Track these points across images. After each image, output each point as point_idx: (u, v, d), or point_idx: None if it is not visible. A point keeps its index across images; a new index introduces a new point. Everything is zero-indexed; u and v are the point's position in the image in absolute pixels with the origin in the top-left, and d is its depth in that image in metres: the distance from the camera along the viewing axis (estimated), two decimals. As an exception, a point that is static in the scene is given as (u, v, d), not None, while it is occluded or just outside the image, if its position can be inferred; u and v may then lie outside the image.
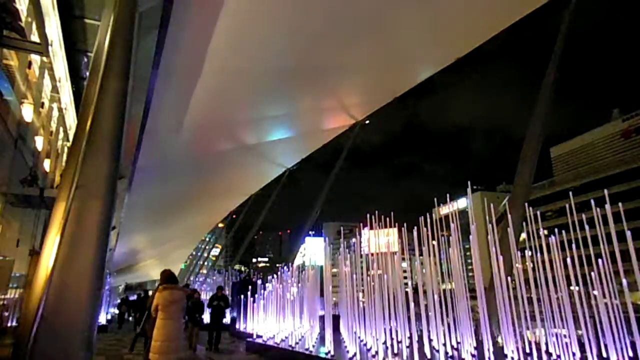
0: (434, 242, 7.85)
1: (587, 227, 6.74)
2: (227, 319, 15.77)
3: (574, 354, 6.48)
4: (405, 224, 8.75)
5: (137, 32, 6.31)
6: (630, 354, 6.24)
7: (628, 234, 6.02)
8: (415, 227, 8.15)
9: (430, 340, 7.73)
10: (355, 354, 8.06)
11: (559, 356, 6.60)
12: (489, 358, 6.51)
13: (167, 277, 6.50)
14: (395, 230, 9.05)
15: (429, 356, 7.48)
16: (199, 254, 75.02)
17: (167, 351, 5.83)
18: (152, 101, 10.23)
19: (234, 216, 54.82)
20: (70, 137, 14.44)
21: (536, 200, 67.44)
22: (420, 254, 7.99)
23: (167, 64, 8.87)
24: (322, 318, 10.82)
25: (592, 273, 6.55)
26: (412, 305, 8.15)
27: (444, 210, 8.16)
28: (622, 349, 6.25)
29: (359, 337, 8.76)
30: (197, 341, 11.48)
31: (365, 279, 9.02)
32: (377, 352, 7.93)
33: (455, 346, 7.66)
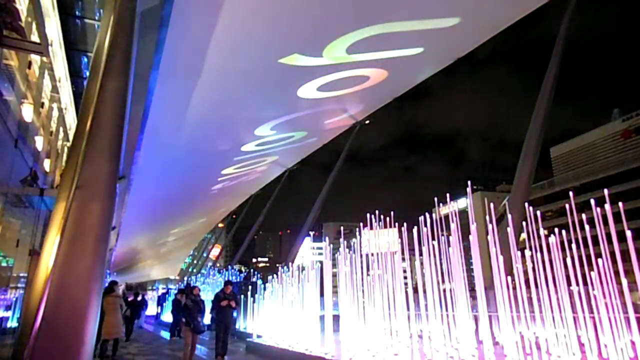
0: (434, 242, 7.83)
1: (587, 227, 6.73)
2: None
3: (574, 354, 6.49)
4: (405, 224, 8.75)
5: (137, 32, 6.31)
6: (631, 354, 6.24)
7: (628, 233, 6.02)
8: (415, 227, 8.14)
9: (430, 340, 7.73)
10: (355, 354, 8.06)
11: (559, 356, 6.60)
12: (489, 358, 6.51)
13: (107, 288, 10.34)
14: (395, 230, 9.03)
15: (429, 356, 7.48)
16: (199, 254, 75.02)
17: (111, 332, 9.89)
18: (152, 101, 10.24)
19: (234, 216, 54.91)
20: (70, 137, 14.45)
21: (536, 200, 67.48)
22: (420, 254, 7.98)
23: (167, 64, 8.87)
24: (322, 318, 10.81)
25: (592, 273, 6.54)
26: (412, 305, 8.15)
27: (444, 210, 8.14)
28: (622, 349, 6.25)
29: (360, 337, 8.76)
30: (193, 352, 9.68)
31: (365, 279, 9.02)
32: (377, 352, 7.94)
33: (455, 346, 7.66)
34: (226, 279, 19.00)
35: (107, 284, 11.00)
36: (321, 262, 10.62)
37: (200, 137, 15.96)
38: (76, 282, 4.72)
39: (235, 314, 16.19)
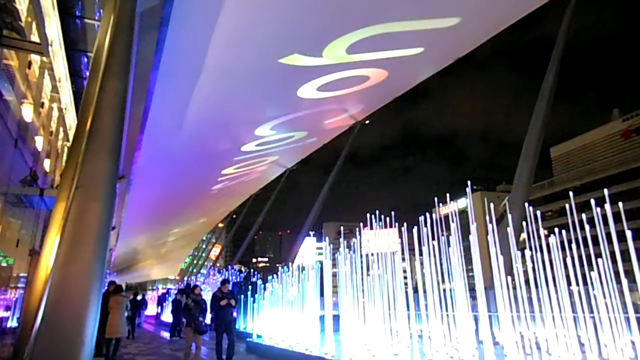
0: (434, 242, 7.83)
1: (587, 227, 6.73)
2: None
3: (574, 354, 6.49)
4: (405, 224, 8.75)
5: (137, 32, 6.32)
6: (631, 354, 6.23)
7: (628, 233, 6.02)
8: (415, 227, 8.14)
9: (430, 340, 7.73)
10: (355, 354, 8.06)
11: (559, 356, 6.60)
12: (489, 358, 6.51)
13: (116, 287, 10.63)
14: (395, 230, 9.03)
15: (429, 356, 7.48)
16: (199, 254, 75.03)
17: (114, 331, 9.80)
18: (152, 101, 10.24)
19: (234, 216, 54.92)
20: (70, 137, 14.45)
21: (536, 200, 67.49)
22: (420, 254, 7.98)
23: (167, 64, 8.87)
24: (322, 318, 10.80)
25: (592, 273, 6.54)
26: (412, 305, 8.15)
27: (444, 210, 8.14)
28: (622, 349, 6.24)
29: (360, 337, 8.76)
30: (198, 354, 9.37)
31: (365, 279, 9.02)
32: (377, 352, 7.93)
33: (455, 346, 7.66)
34: (224, 278, 18.90)
35: (106, 285, 11.04)
36: (321, 262, 10.62)
37: (200, 137, 15.96)
38: (76, 282, 4.72)
39: (234, 314, 16.16)
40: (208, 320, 11.68)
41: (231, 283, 17.94)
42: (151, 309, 29.21)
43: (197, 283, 18.53)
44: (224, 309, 9.71)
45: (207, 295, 16.76)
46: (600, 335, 6.42)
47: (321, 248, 10.58)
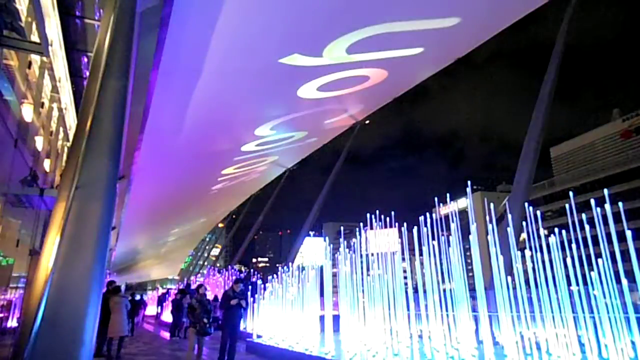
0: (434, 242, 7.83)
1: (587, 227, 6.73)
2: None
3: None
4: (405, 224, 8.76)
5: (137, 32, 6.31)
6: (631, 354, 6.23)
7: (628, 233, 6.02)
8: (415, 227, 8.15)
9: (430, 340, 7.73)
10: (355, 354, 8.06)
11: (559, 356, 6.60)
12: (489, 358, 6.51)
13: (115, 288, 10.94)
14: (395, 230, 9.04)
15: (429, 356, 7.48)
16: (199, 254, 75.03)
17: (115, 330, 10.08)
18: (152, 101, 10.23)
19: (234, 216, 54.91)
20: (70, 137, 14.45)
21: (536, 200, 67.51)
22: (420, 254, 7.98)
23: (167, 64, 8.86)
24: (322, 318, 10.81)
25: (592, 273, 6.54)
26: (412, 305, 8.15)
27: (444, 210, 8.14)
28: (622, 349, 6.24)
29: (360, 337, 8.76)
30: (200, 356, 9.61)
31: (365, 279, 9.02)
32: (377, 352, 7.94)
33: (455, 346, 7.66)
34: (234, 277, 18.73)
35: (105, 284, 11.07)
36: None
37: (200, 137, 15.95)
38: (76, 282, 4.72)
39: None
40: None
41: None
42: (151, 309, 29.23)
43: (202, 283, 18.44)
44: (233, 309, 9.59)
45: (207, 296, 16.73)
46: (600, 335, 6.42)
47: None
